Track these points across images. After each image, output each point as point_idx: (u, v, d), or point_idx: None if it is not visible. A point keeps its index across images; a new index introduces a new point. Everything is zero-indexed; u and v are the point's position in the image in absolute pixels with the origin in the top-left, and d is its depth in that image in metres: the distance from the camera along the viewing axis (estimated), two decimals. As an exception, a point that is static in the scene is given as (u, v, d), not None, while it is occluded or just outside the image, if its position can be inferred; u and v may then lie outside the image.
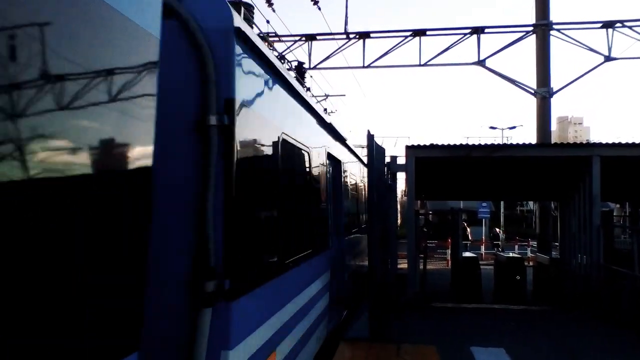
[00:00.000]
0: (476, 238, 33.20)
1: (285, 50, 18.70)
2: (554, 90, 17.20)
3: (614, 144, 11.29)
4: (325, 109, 21.32)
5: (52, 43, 1.63)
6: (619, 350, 7.84)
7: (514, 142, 12.25)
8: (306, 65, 18.59)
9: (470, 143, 12.02)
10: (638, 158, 11.23)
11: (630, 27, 17.15)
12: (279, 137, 4.40)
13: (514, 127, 45.24)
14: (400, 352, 7.39)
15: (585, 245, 11.53)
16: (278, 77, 4.50)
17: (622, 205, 29.92)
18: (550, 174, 12.97)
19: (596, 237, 11.02)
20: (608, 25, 17.13)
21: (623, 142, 11.31)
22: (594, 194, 11.06)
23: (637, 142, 11.19)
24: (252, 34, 3.59)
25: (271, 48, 18.29)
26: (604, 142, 11.42)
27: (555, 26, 17.16)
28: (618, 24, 17.13)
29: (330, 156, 7.65)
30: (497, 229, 32.24)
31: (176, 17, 3.07)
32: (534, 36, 17.40)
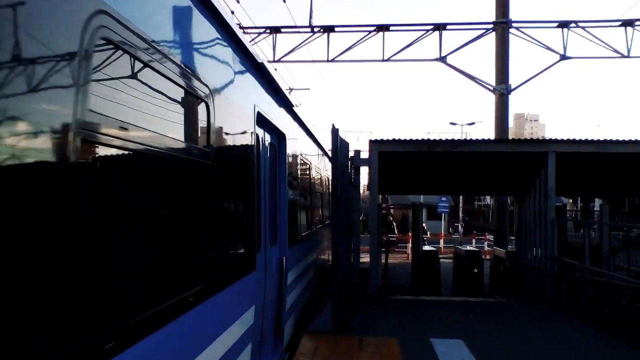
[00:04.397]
0: (435, 232, 33.93)
1: (250, 42, 18.47)
2: (512, 87, 17.67)
3: (568, 140, 11.66)
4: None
5: None
6: (573, 339, 8.14)
7: (474, 138, 12.49)
8: (270, 58, 18.46)
9: (431, 138, 12.20)
10: (590, 154, 11.66)
11: (583, 28, 17.77)
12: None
13: (473, 123, 46.12)
14: (362, 344, 7.45)
15: (540, 239, 11.91)
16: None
17: (574, 200, 31.06)
18: (507, 169, 13.31)
19: (550, 230, 11.38)
20: (563, 25, 17.70)
21: (577, 138, 11.70)
22: (549, 188, 11.41)
23: (590, 138, 11.61)
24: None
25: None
26: (559, 138, 11.79)
27: (514, 24, 17.61)
28: (573, 24, 17.72)
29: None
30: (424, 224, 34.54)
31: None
32: (493, 34, 17.79)
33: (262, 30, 18.49)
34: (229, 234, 3.91)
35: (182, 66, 2.88)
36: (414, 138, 11.83)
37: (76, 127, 1.76)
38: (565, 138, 11.70)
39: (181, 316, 2.79)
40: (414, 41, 18.04)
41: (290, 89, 24.90)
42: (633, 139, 11.63)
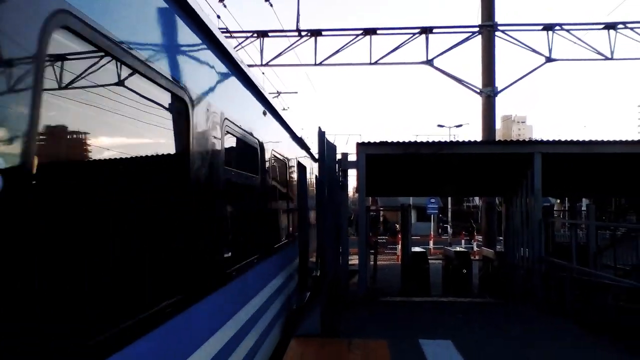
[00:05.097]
0: (424, 233, 34.10)
1: (236, 46, 18.46)
2: (499, 89, 17.80)
3: (554, 141, 11.78)
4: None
5: None
6: (561, 339, 8.19)
7: (461, 140, 12.54)
8: (258, 62, 18.44)
9: (419, 140, 12.25)
10: (576, 154, 11.77)
11: (568, 31, 17.96)
12: None
13: (460, 125, 46.55)
14: (351, 347, 7.44)
15: (527, 239, 11.99)
16: None
17: (561, 201, 31.32)
18: (495, 170, 13.40)
19: (538, 230, 11.47)
20: (548, 27, 17.87)
21: (563, 139, 11.80)
22: (535, 189, 11.50)
23: (575, 139, 11.72)
24: None
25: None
26: (545, 139, 11.88)
27: (499, 27, 17.75)
28: (557, 27, 17.90)
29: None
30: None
31: None
32: (479, 37, 17.93)
33: (249, 34, 18.48)
34: None
35: None
36: (401, 140, 11.88)
37: None
38: (551, 139, 11.80)
39: None
40: (401, 44, 18.12)
41: (279, 93, 24.90)
42: (618, 139, 11.76)
